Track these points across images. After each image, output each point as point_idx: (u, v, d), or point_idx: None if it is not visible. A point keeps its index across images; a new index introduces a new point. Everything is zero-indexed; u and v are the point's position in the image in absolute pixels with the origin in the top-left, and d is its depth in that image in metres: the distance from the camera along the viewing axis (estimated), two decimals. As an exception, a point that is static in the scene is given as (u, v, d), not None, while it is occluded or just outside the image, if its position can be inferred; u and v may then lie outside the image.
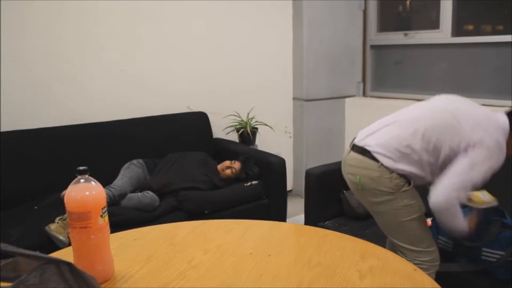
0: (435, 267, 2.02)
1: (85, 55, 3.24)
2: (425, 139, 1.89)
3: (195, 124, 3.64)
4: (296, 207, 3.75)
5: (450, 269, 2.12)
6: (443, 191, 1.83)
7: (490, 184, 1.92)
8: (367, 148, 1.98)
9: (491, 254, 2.06)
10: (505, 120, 1.89)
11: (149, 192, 2.86)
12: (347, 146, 2.14)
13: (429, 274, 1.55)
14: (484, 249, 2.09)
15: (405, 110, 2.07)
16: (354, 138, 2.10)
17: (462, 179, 1.82)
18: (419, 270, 1.38)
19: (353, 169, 2.03)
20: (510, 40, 3.62)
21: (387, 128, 2.01)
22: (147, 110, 3.49)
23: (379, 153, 1.94)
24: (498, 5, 3.93)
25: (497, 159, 1.82)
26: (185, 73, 3.69)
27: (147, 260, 1.42)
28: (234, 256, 1.47)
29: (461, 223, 1.91)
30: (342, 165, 2.15)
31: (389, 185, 1.93)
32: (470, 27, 4.06)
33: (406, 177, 1.95)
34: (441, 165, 1.92)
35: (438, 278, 1.89)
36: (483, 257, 2.09)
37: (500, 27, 3.93)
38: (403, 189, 1.94)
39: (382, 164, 1.92)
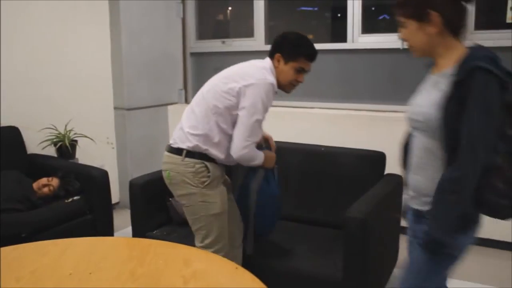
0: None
1: None
2: (209, 111, 2.18)
3: (4, 140, 3.30)
4: (124, 219, 3.64)
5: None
6: (237, 145, 2.13)
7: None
8: (171, 144, 2.25)
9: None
10: (269, 61, 2.25)
11: (-49, 220, 2.53)
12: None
13: None
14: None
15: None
16: None
17: (246, 125, 2.11)
18: (240, 268, 1.46)
19: (165, 165, 2.25)
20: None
21: (183, 121, 2.29)
22: None
23: (178, 144, 2.20)
24: (307, 16, 4.32)
25: (267, 92, 2.13)
26: (-11, 84, 3.35)
27: None
28: (51, 279, 1.39)
29: (260, 159, 2.24)
30: None
31: (193, 179, 2.16)
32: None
33: (207, 167, 2.18)
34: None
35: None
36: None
37: (311, 36, 4.33)
38: (206, 183, 2.18)
39: (185, 157, 2.16)
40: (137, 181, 2.77)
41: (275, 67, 2.23)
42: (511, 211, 1.44)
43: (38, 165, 3.38)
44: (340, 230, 2.23)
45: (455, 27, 1.49)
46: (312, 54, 2.27)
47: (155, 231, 2.78)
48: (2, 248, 1.64)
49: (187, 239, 2.35)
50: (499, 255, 3.28)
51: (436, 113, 1.45)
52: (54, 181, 3.05)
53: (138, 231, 2.76)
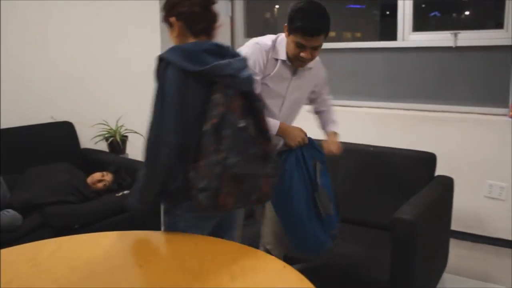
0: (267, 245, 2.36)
1: None
2: None
3: (59, 135, 3.44)
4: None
5: None
6: None
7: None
8: None
9: None
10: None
11: (9, 210, 2.63)
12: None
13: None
14: None
15: None
16: None
17: None
18: (288, 267, 1.45)
19: None
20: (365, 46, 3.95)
21: None
22: (3, 121, 3.21)
23: None
24: (354, 14, 4.26)
25: (251, 51, 2.12)
26: (47, 79, 3.47)
27: (5, 286, 1.32)
28: (104, 270, 1.43)
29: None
30: None
31: None
32: (333, 34, 4.36)
33: None
34: None
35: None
36: None
37: (358, 35, 4.28)
38: None
39: None
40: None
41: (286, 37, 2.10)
42: (209, 203, 1.52)
43: (90, 159, 3.49)
44: (388, 232, 2.19)
45: (193, 30, 1.68)
46: (304, 30, 1.98)
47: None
48: (57, 238, 1.70)
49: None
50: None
51: None
52: (108, 176, 3.14)
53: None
